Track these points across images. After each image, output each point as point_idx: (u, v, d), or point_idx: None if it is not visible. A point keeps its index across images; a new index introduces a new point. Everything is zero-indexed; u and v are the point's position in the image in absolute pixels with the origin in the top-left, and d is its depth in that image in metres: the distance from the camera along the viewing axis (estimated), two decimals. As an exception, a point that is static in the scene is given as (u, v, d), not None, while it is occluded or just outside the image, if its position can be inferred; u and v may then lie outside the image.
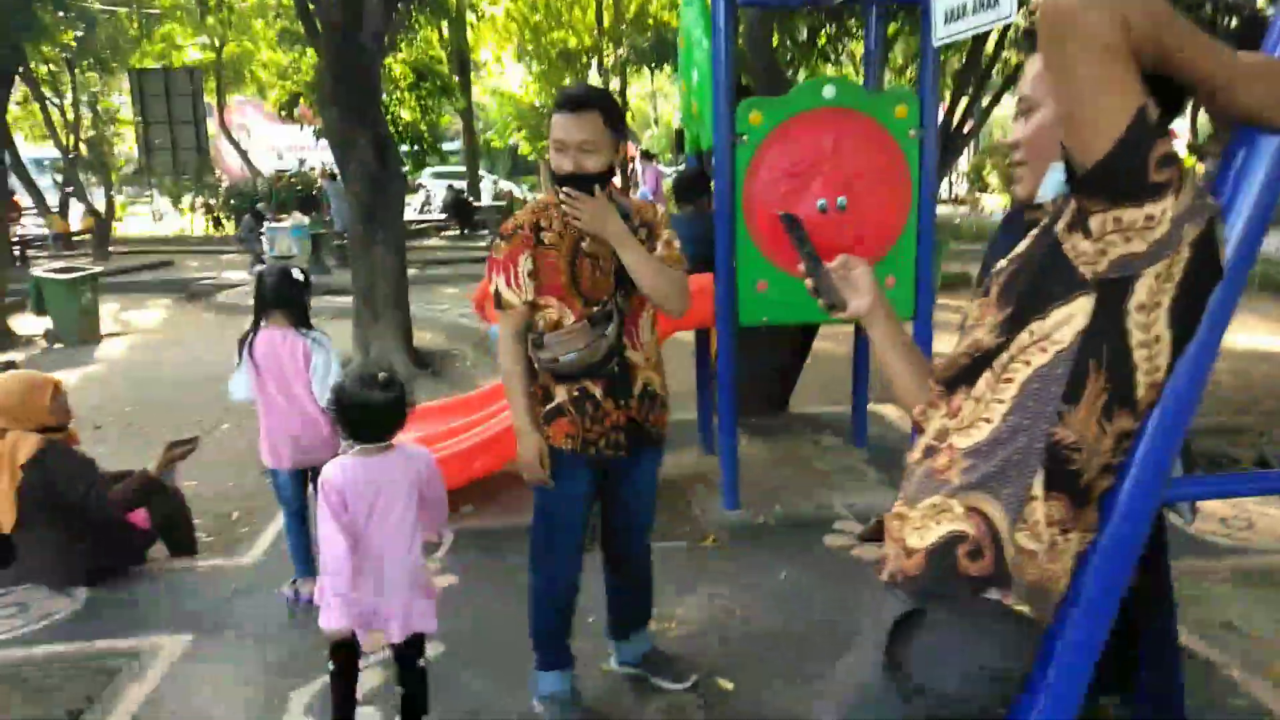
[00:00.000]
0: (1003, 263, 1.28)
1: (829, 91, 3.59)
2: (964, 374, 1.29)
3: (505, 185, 23.82)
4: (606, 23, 19.80)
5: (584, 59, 20.69)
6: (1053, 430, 1.17)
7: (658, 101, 36.03)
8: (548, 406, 2.37)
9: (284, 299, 3.21)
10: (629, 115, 23.12)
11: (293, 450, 3.24)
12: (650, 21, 18.97)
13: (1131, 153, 1.03)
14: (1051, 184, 1.25)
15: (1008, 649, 1.22)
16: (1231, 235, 1.14)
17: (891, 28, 15.60)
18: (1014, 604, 1.18)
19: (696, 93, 3.76)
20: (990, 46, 16.25)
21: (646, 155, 14.08)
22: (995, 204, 21.88)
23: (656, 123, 35.61)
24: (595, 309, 2.29)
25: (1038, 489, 1.18)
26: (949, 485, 1.26)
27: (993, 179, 23.51)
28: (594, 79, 20.05)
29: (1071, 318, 1.14)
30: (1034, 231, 1.25)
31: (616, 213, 2.22)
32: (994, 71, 16.32)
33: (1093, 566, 1.21)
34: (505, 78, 25.28)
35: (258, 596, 3.39)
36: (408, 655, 2.36)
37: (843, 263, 1.57)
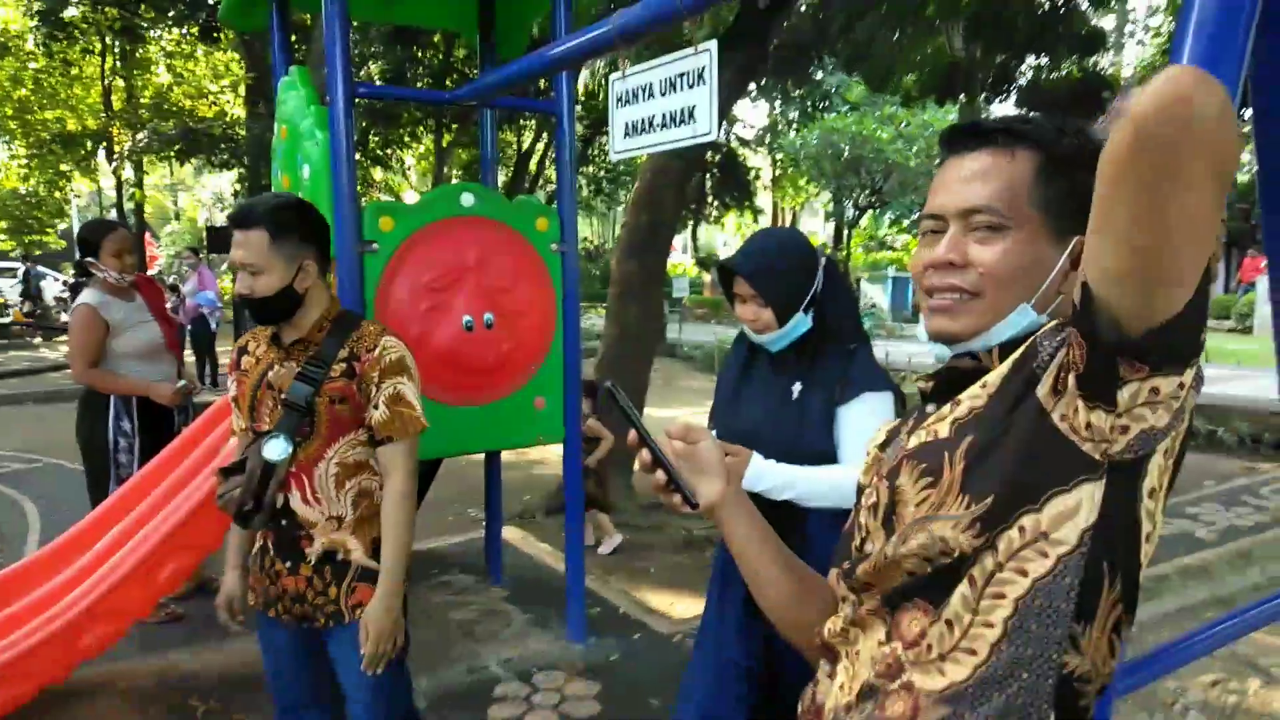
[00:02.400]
0: (941, 428, 0.98)
1: (468, 199, 3.23)
2: (918, 585, 0.94)
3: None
4: (116, 104, 17.30)
5: (88, 144, 17.77)
6: (1064, 660, 0.88)
7: (179, 195, 32.52)
8: (255, 547, 2.14)
9: None
10: (144, 209, 20.34)
11: None
12: (173, 107, 16.99)
13: (1201, 308, 0.78)
14: (1011, 327, 0.98)
15: None
16: None
17: (446, 137, 15.89)
18: None
19: (308, 190, 3.15)
20: (534, 164, 17.41)
21: (195, 251, 12.20)
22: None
23: (178, 217, 32.01)
24: None
25: None
26: None
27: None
28: (102, 166, 17.30)
29: (1076, 510, 0.86)
30: (978, 390, 0.97)
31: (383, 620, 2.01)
32: (537, 187, 17.48)
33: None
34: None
35: None
36: None
37: (683, 431, 1.18)
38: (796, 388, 1.97)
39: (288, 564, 2.03)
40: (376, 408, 2.00)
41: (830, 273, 2.01)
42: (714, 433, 1.25)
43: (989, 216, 0.98)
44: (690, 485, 1.14)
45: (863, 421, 1.87)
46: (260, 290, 1.92)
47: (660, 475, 1.13)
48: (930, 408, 1.05)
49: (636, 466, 1.16)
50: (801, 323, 1.96)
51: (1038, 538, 0.87)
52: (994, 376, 0.95)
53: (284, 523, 2.02)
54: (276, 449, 1.95)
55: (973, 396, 0.96)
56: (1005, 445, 0.89)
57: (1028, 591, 0.87)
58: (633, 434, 1.14)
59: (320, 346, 2.00)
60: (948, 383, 1.04)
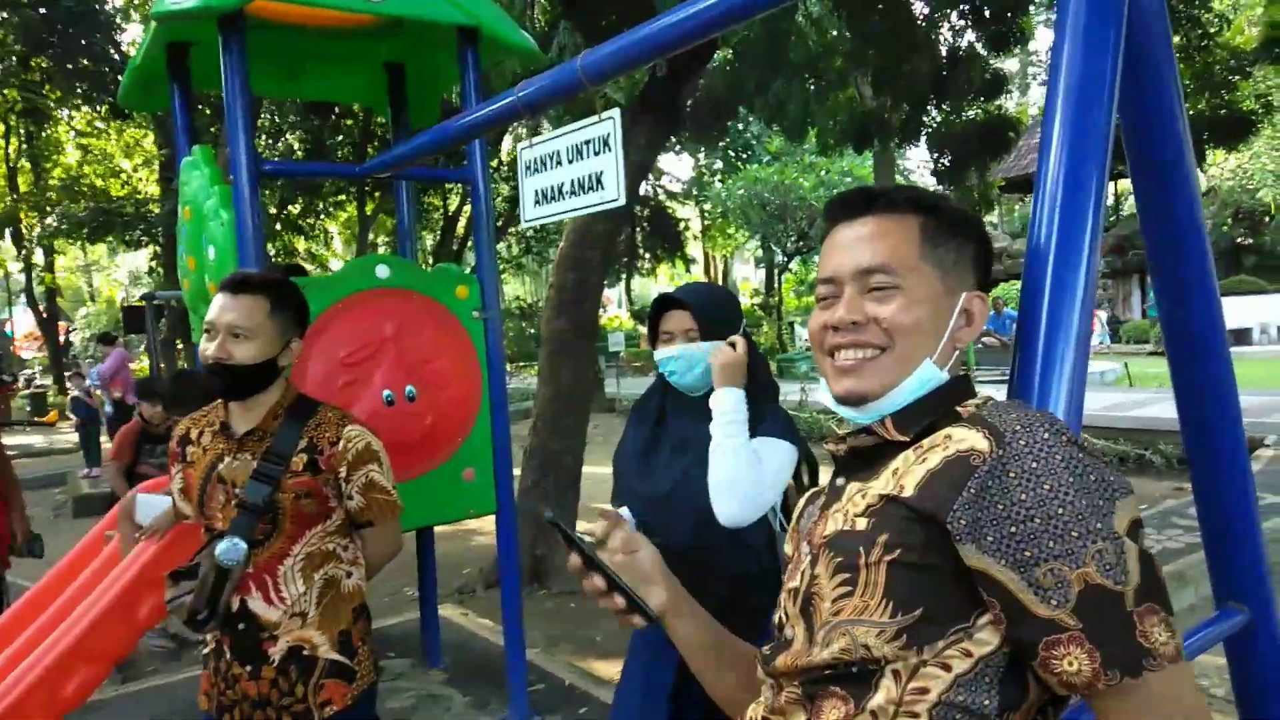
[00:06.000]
0: (857, 516, 0.92)
1: (383, 271, 3.16)
2: (837, 677, 0.91)
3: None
4: (23, 187, 16.85)
5: (-6, 228, 17.22)
6: None
7: (93, 275, 31.58)
8: (206, 649, 2.00)
9: None
10: (56, 293, 19.75)
11: None
12: (84, 188, 16.58)
13: None
14: (918, 386, 0.97)
15: None
16: None
17: (369, 205, 15.78)
18: None
19: (214, 272, 3.04)
20: (462, 226, 17.37)
21: (106, 339, 11.58)
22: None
23: (93, 299, 31.03)
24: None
25: None
26: None
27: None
28: (8, 250, 16.71)
29: (998, 619, 0.84)
30: (888, 476, 0.92)
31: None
32: (466, 249, 17.43)
33: None
34: None
35: None
36: None
37: (624, 543, 1.13)
38: None
39: (247, 668, 1.90)
40: (351, 499, 1.96)
41: (748, 336, 2.07)
42: (624, 509, 1.21)
43: (884, 275, 0.98)
44: (644, 600, 1.10)
45: (761, 446, 1.93)
46: (240, 357, 1.81)
47: (618, 600, 1.08)
48: (840, 481, 1.02)
49: (585, 590, 1.10)
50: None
51: (961, 638, 0.86)
52: (905, 470, 0.91)
53: (242, 627, 1.89)
54: (231, 553, 1.83)
55: (884, 481, 0.93)
56: (929, 570, 0.87)
57: (950, 686, 0.86)
58: (575, 559, 1.10)
59: (275, 438, 1.89)
60: (854, 455, 1.02)
